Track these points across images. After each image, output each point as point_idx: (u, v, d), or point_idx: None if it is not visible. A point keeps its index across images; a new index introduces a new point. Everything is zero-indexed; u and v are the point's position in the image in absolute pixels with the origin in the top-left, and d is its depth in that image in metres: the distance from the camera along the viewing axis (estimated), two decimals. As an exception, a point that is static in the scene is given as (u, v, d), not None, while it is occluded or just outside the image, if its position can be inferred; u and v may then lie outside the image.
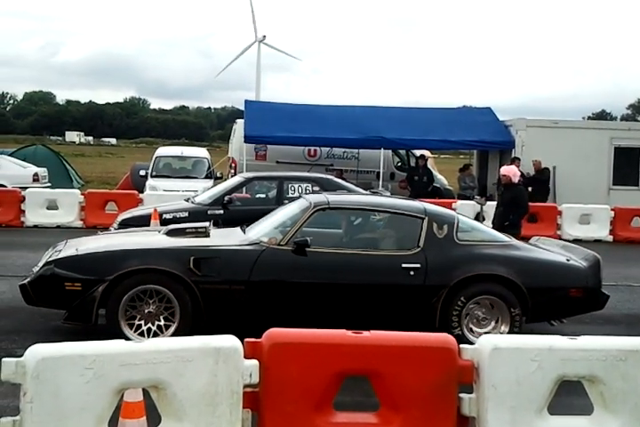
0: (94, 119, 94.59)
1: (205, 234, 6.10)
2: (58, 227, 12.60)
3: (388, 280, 5.76)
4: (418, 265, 5.76)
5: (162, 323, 5.52)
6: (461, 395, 3.59)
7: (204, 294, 5.54)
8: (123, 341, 3.34)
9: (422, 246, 5.86)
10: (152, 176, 16.24)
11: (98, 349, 3.23)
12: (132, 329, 5.48)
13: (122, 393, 3.27)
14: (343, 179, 16.65)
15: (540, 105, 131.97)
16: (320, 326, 3.79)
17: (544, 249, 6.43)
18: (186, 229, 6.23)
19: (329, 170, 16.96)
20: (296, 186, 10.30)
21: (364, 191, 10.85)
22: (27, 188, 14.14)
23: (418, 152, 17.44)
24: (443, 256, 5.84)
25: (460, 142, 16.60)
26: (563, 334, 3.76)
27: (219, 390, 3.30)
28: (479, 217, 11.44)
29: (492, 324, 5.81)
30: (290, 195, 10.07)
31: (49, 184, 16.95)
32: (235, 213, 9.15)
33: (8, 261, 9.09)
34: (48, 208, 13.36)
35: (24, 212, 13.11)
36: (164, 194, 13.86)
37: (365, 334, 3.57)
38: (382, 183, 15.97)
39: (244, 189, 10.33)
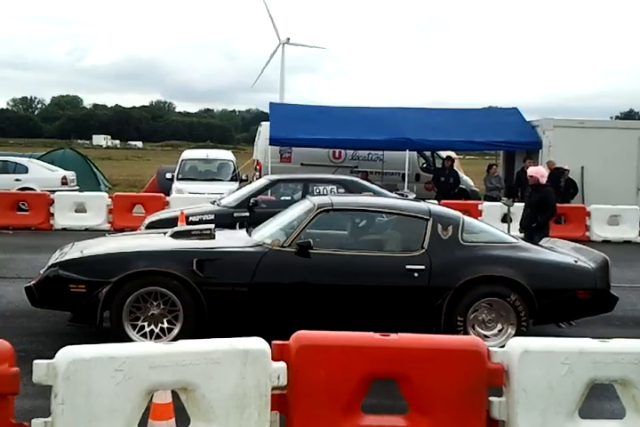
0: (121, 123, 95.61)
1: (211, 236, 6.10)
2: (86, 230, 12.72)
3: (393, 282, 5.71)
4: (422, 267, 5.71)
5: (165, 325, 5.54)
6: (491, 398, 3.56)
7: (207, 296, 5.54)
8: (152, 342, 3.37)
9: (426, 248, 5.80)
10: (178, 179, 16.35)
11: (128, 350, 3.26)
12: (135, 330, 5.50)
13: (151, 395, 3.30)
14: (368, 180, 16.71)
15: (568, 105, 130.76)
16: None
17: (552, 250, 6.34)
18: (191, 231, 6.27)
19: (354, 172, 16.96)
20: (321, 188, 10.33)
21: (390, 193, 10.80)
22: (55, 191, 14.31)
23: (444, 153, 17.36)
24: (447, 258, 5.79)
25: (485, 143, 16.48)
26: (593, 337, 3.71)
27: (247, 393, 3.31)
28: (506, 218, 11.35)
29: (499, 326, 5.74)
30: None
31: (77, 187, 17.13)
32: (260, 215, 9.16)
33: (37, 264, 9.19)
34: (76, 211, 13.53)
35: (53, 215, 13.27)
36: (189, 196, 13.95)
37: (393, 336, 3.56)
38: (407, 185, 15.91)
39: (269, 191, 10.36)
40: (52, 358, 3.17)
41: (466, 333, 5.60)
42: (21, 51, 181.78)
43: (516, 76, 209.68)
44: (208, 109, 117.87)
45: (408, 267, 5.70)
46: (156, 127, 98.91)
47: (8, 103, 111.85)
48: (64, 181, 16.99)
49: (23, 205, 13.86)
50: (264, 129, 17.19)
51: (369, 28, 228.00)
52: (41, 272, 5.88)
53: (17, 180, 16.39)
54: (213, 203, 10.34)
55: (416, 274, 5.69)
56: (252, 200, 9.64)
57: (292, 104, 19.73)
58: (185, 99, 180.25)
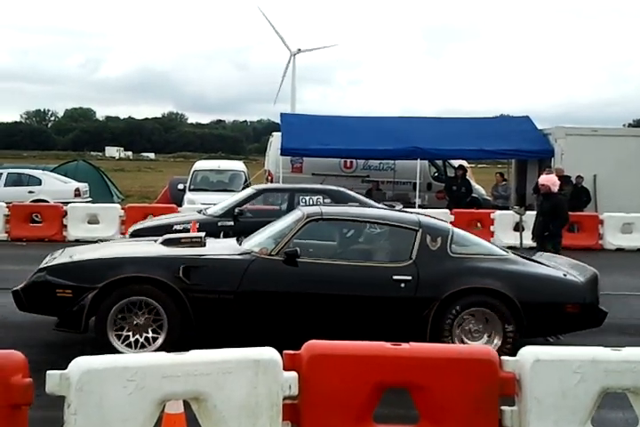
0: (133, 134, 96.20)
1: (201, 244, 6.13)
2: (99, 241, 12.80)
3: (379, 292, 5.71)
4: (409, 277, 5.70)
5: (150, 335, 5.55)
6: (503, 407, 3.55)
7: (193, 303, 5.55)
8: (164, 353, 3.38)
9: (414, 259, 5.80)
10: (190, 190, 16.43)
11: (140, 361, 3.28)
12: (120, 340, 5.51)
13: (163, 405, 3.31)
14: (380, 190, 16.70)
15: (580, 113, 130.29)
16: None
17: (542, 264, 6.31)
18: (181, 238, 6.29)
19: (365, 181, 16.99)
20: (307, 198, 10.34)
21: (377, 204, 10.71)
22: (68, 203, 14.43)
23: (456, 162, 17.35)
24: (435, 269, 5.77)
25: (497, 152, 16.47)
26: (605, 346, 3.69)
27: (259, 402, 3.32)
28: (518, 227, 11.31)
29: (485, 338, 5.72)
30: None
31: (90, 199, 17.27)
32: (245, 224, 9.20)
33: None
34: (89, 222, 13.61)
35: (66, 226, 13.36)
36: (202, 207, 13.99)
37: (405, 346, 3.56)
38: (419, 194, 15.91)
39: (255, 200, 10.39)
40: (64, 368, 3.19)
41: (453, 341, 5.60)
42: (35, 64, 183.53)
43: (528, 84, 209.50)
44: (220, 120, 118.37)
45: (395, 277, 5.70)
46: (169, 139, 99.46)
47: (22, 116, 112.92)
48: (77, 193, 17.13)
49: (37, 216, 13.97)
50: (275, 139, 17.27)
51: (380, 38, 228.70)
52: (28, 277, 5.93)
53: (30, 192, 16.55)
54: (200, 212, 10.44)
55: (403, 285, 5.68)
56: (236, 209, 9.70)
57: (303, 114, 19.83)
58: (197, 110, 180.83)
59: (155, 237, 6.69)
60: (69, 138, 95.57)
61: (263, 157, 19.97)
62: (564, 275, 6.03)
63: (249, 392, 3.33)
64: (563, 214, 9.14)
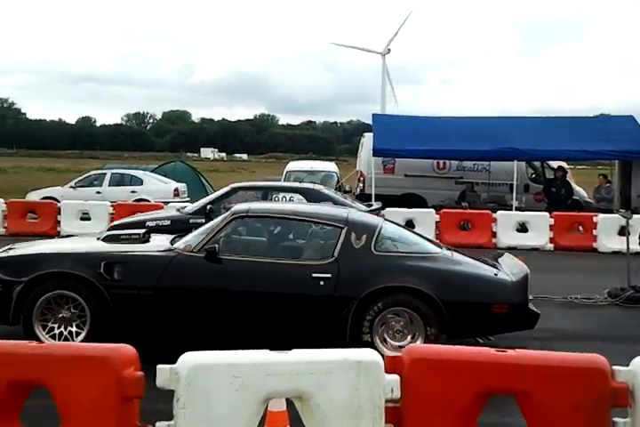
0: (227, 136, 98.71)
1: (139, 240, 6.17)
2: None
3: (298, 290, 5.62)
4: (329, 275, 5.61)
5: (74, 329, 5.65)
6: (615, 419, 3.39)
7: (114, 299, 5.60)
8: (268, 351, 3.42)
9: (336, 256, 5.71)
10: (283, 190, 16.64)
11: (245, 358, 3.34)
12: (45, 331, 5.63)
13: (267, 402, 3.36)
14: (474, 192, 16.35)
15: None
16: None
17: (481, 263, 6.08)
18: (121, 235, 6.38)
19: (459, 183, 16.70)
20: (280, 196, 10.38)
21: (356, 204, 10.67)
22: (168, 202, 14.92)
23: (555, 164, 16.79)
24: (356, 267, 5.67)
25: (600, 152, 15.77)
26: None
27: (361, 404, 3.31)
28: (624, 231, 10.81)
29: (409, 338, 5.59)
30: None
31: (188, 199, 17.79)
32: None
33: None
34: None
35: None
36: (403, 210, 13.91)
37: (510, 352, 3.46)
38: (516, 196, 15.48)
39: (230, 198, 10.41)
40: (172, 362, 3.29)
41: (372, 343, 5.47)
42: (134, 69, 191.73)
43: (629, 82, 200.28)
44: (310, 121, 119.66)
45: (314, 275, 5.62)
46: (261, 140, 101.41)
47: (122, 119, 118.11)
48: (176, 193, 17.72)
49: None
50: (367, 140, 17.24)
51: (471, 37, 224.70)
52: None
53: (133, 191, 17.26)
54: (178, 210, 10.61)
55: (322, 282, 5.59)
56: (208, 207, 9.76)
57: (395, 115, 19.73)
58: (288, 111, 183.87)
59: (102, 234, 6.78)
60: (167, 139, 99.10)
61: (353, 158, 20.00)
62: (495, 274, 5.82)
63: (350, 393, 3.32)
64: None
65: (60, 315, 5.67)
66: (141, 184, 17.69)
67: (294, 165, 18.63)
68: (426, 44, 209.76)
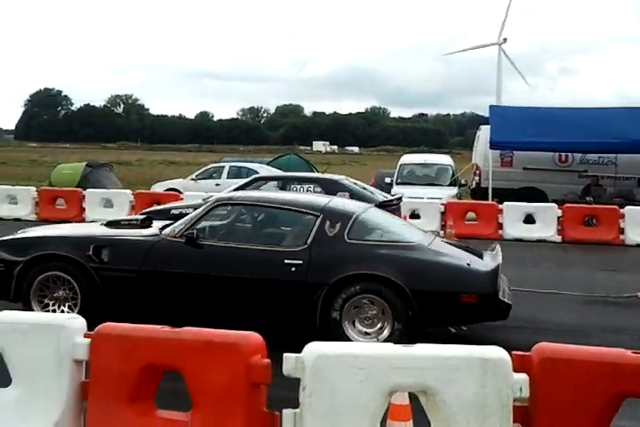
0: (338, 129, 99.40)
1: (137, 226, 6.50)
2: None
3: (270, 275, 5.78)
4: (300, 262, 5.74)
5: (66, 309, 6.02)
6: None
7: (102, 281, 5.97)
8: (392, 344, 3.42)
9: (309, 244, 5.83)
10: (397, 183, 16.59)
11: (369, 350, 3.35)
12: (40, 306, 6.07)
13: (391, 395, 3.35)
14: (599, 186, 15.59)
15: None
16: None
17: (463, 253, 6.08)
18: (121, 221, 6.82)
19: (582, 176, 16.00)
20: (298, 186, 10.59)
21: (378, 196, 10.73)
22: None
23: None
24: (327, 254, 5.78)
25: None
26: None
27: (487, 402, 3.24)
28: None
29: (379, 325, 5.67)
30: None
31: (302, 191, 18.06)
32: None
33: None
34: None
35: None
36: (409, 201, 14.07)
37: (649, 354, 3.28)
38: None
39: (251, 187, 10.74)
40: (300, 352, 3.35)
41: (341, 329, 5.62)
42: (250, 65, 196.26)
43: None
44: (422, 114, 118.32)
45: (286, 261, 5.76)
46: (372, 133, 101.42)
47: (237, 113, 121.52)
48: (290, 186, 18.00)
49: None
50: (483, 133, 16.83)
51: (590, 26, 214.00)
52: None
53: (249, 184, 17.68)
54: (204, 199, 10.81)
55: (293, 269, 5.72)
56: None
57: (513, 106, 19.08)
58: (399, 104, 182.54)
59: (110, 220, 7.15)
60: (280, 133, 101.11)
61: (467, 151, 19.66)
62: (468, 264, 5.78)
63: (477, 391, 3.25)
64: None
65: (55, 294, 6.13)
66: (258, 177, 18.11)
67: (408, 158, 18.51)
68: (544, 32, 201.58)
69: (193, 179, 18.63)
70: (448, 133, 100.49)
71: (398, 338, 5.46)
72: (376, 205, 9.71)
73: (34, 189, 15.56)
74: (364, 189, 11.11)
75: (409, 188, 15.83)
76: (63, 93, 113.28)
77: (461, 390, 3.25)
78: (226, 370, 3.37)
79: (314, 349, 3.35)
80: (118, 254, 6.11)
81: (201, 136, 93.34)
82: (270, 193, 8.32)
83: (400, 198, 11.56)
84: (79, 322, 3.75)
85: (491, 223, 13.29)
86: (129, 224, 6.67)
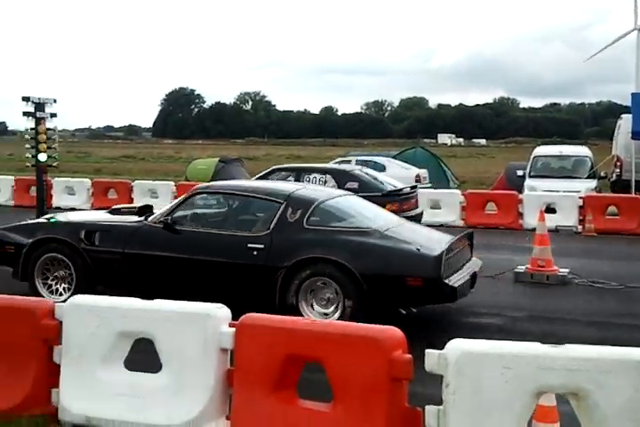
0: (464, 121, 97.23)
1: (135, 213, 7.05)
2: (441, 225, 13.16)
3: (234, 258, 6.23)
4: (262, 246, 6.16)
5: (65, 286, 6.78)
6: None
7: (93, 261, 6.67)
8: (539, 344, 3.28)
9: (271, 229, 6.25)
10: (530, 176, 15.95)
11: (515, 349, 3.25)
12: (45, 287, 6.82)
13: (539, 396, 3.23)
14: None
15: None
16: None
17: (416, 239, 6.26)
18: (122, 208, 7.44)
19: None
20: (311, 177, 10.87)
21: (388, 185, 10.75)
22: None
23: None
24: (287, 239, 6.18)
25: None
26: None
27: (645, 407, 3.04)
28: None
29: (333, 307, 6.00)
30: None
31: (430, 184, 17.84)
32: None
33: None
34: (431, 208, 14.02)
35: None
36: (543, 194, 13.55)
37: None
38: None
39: (269, 178, 11.18)
40: (442, 349, 3.29)
41: (299, 311, 5.91)
42: (371, 58, 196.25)
43: None
44: (554, 104, 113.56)
45: (249, 246, 6.19)
46: (500, 124, 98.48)
47: (362, 107, 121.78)
48: (417, 179, 17.82)
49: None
50: (625, 122, 15.94)
51: None
52: None
53: (376, 178, 17.68)
54: None
55: (255, 252, 6.15)
56: None
57: (658, 93, 17.83)
58: (529, 94, 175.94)
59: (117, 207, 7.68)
60: (404, 126, 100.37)
61: (604, 142, 18.66)
62: (417, 249, 5.98)
63: (632, 397, 3.07)
64: None
65: (56, 274, 6.88)
66: (384, 170, 18.00)
67: (542, 150, 17.74)
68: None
69: (322, 173, 18.85)
70: (583, 123, 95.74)
71: (350, 315, 5.78)
72: (383, 195, 10.09)
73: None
74: (375, 179, 11.36)
75: (543, 181, 15.20)
76: (196, 92, 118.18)
77: (615, 393, 3.09)
78: (368, 364, 3.39)
79: (457, 345, 3.29)
80: (106, 238, 6.79)
81: (325, 131, 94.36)
82: (244, 182, 9.19)
83: (415, 187, 11.80)
84: (224, 311, 3.88)
85: (634, 218, 12.53)
86: (128, 211, 7.30)
